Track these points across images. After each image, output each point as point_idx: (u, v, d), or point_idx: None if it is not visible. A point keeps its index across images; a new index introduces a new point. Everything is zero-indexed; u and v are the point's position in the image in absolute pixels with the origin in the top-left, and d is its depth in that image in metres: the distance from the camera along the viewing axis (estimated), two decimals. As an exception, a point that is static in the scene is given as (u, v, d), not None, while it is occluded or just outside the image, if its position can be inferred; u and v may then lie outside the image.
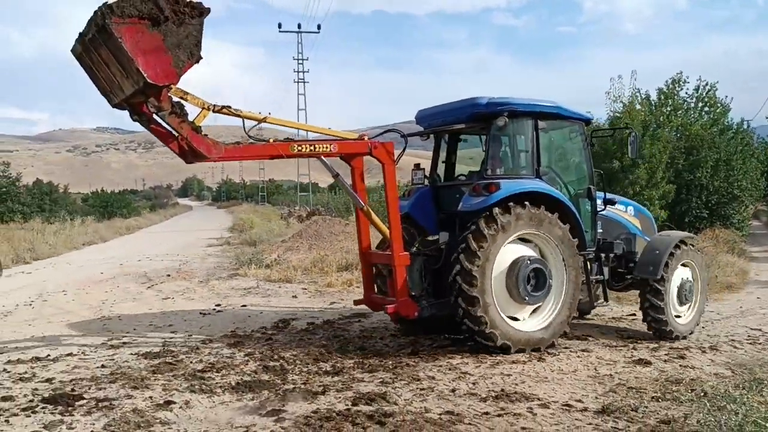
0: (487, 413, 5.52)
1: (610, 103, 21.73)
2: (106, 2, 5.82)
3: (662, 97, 24.05)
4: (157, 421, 5.58)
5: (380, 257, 8.22)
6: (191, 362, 7.52)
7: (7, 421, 5.68)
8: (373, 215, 8.08)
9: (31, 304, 12.43)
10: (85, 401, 6.11)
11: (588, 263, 8.36)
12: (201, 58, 6.24)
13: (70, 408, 5.92)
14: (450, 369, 6.93)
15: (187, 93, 6.67)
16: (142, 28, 5.93)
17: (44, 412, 5.85)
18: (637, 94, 23.29)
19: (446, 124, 8.41)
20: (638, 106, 21.51)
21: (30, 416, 5.77)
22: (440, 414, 5.50)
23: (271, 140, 7.39)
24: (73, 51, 6.57)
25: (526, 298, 7.56)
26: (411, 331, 8.63)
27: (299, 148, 7.37)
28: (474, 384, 6.39)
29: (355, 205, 8.39)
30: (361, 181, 8.15)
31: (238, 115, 6.99)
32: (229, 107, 6.92)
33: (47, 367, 7.52)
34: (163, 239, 30.10)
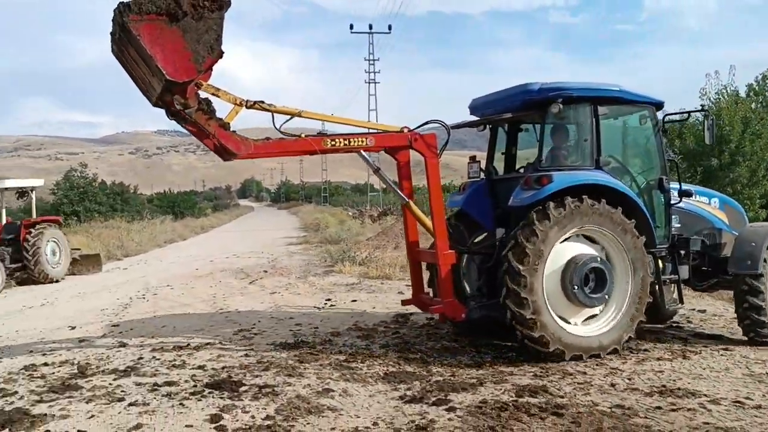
0: (659, 407, 5.43)
1: (707, 98, 21.02)
2: (124, 0, 5.76)
3: (752, 94, 23.25)
4: (324, 407, 5.71)
5: (427, 256, 7.88)
6: (331, 353, 7.66)
7: (181, 404, 5.91)
8: (419, 212, 7.71)
9: (144, 298, 12.91)
10: (246, 387, 6.31)
11: (660, 262, 7.64)
12: (222, 52, 6.09)
13: (235, 393, 6.13)
14: (597, 365, 6.84)
15: (219, 89, 6.60)
16: (161, 24, 5.82)
17: (212, 397, 6.07)
18: (724, 91, 22.58)
19: (498, 113, 7.86)
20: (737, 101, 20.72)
21: (201, 400, 6.00)
22: (610, 407, 5.45)
23: (303, 135, 7.09)
24: (112, 52, 6.46)
25: (584, 301, 6.96)
26: (466, 332, 8.23)
27: (333, 142, 7.17)
28: (630, 379, 6.30)
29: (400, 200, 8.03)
30: (407, 175, 7.72)
31: (272, 110, 6.86)
32: (262, 102, 6.83)
33: (192, 355, 7.79)
34: (240, 238, 30.76)
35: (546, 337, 6.72)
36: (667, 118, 8.24)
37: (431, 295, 8.41)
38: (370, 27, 41.10)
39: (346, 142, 7.23)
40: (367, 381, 6.48)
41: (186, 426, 5.34)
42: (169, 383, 6.55)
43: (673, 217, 7.92)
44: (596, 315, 7.20)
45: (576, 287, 6.90)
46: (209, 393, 6.17)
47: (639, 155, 8.33)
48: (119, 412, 5.75)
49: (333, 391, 6.16)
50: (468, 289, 8.29)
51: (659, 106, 7.95)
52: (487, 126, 8.32)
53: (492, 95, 7.95)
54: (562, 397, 5.75)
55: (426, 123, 7.66)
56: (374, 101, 42.95)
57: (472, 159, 8.46)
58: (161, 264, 20.04)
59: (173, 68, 5.83)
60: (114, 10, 5.77)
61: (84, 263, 18.04)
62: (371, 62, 41.60)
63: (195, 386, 6.42)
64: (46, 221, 16.91)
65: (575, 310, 7.11)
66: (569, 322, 7.06)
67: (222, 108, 6.72)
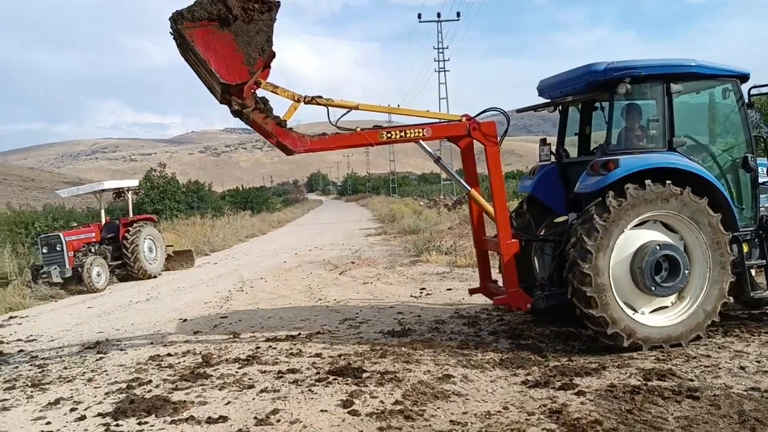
0: (797, 390, 5.29)
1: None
2: (178, 9, 6.01)
3: None
4: (449, 392, 5.82)
5: (493, 244, 7.69)
6: (442, 340, 7.77)
7: (310, 390, 6.14)
8: (482, 200, 7.61)
9: (242, 290, 13.35)
10: (368, 373, 6.49)
11: (746, 246, 7.23)
12: (273, 53, 6.23)
13: (359, 379, 6.31)
14: (719, 348, 6.69)
15: (276, 87, 6.70)
16: (213, 29, 6.02)
17: (338, 383, 6.28)
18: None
19: (565, 95, 7.71)
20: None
21: (327, 386, 6.21)
22: (746, 390, 5.34)
23: (358, 129, 7.08)
24: (180, 54, 6.62)
25: (654, 289, 6.68)
26: (545, 320, 8.13)
27: (388, 134, 7.16)
28: (758, 362, 6.13)
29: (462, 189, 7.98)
30: (471, 162, 7.64)
31: (329, 105, 6.91)
32: (320, 97, 6.84)
33: (306, 344, 8.04)
34: (317, 231, 31.25)
35: (617, 332, 6.54)
36: (754, 91, 7.69)
37: (500, 283, 8.31)
38: (439, 15, 40.97)
39: (402, 133, 7.21)
40: (484, 367, 6.55)
41: (320, 411, 5.56)
42: (292, 371, 6.81)
43: (762, 197, 7.47)
44: (670, 304, 6.90)
45: (644, 276, 6.64)
46: (334, 380, 6.39)
47: (721, 132, 7.91)
48: (253, 399, 6.02)
49: (453, 377, 6.27)
50: (530, 278, 8.13)
51: (744, 78, 7.47)
52: (558, 107, 8.11)
53: (558, 76, 7.75)
54: (692, 380, 5.67)
55: (485, 111, 7.52)
56: (444, 90, 42.82)
57: (543, 141, 8.30)
58: (248, 258, 20.63)
59: (226, 71, 6.08)
60: (169, 19, 6.04)
61: (177, 259, 18.79)
62: (440, 51, 41.54)
63: (318, 373, 6.65)
64: (143, 219, 17.67)
65: (646, 298, 6.84)
66: (639, 311, 6.81)
67: (282, 104, 6.91)
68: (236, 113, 6.55)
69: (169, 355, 8.02)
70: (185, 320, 10.42)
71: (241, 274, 16.14)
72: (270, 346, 8.03)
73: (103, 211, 18.08)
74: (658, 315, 6.86)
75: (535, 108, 8.18)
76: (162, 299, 13.19)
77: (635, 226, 6.72)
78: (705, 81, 7.38)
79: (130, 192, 18.24)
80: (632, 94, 7.06)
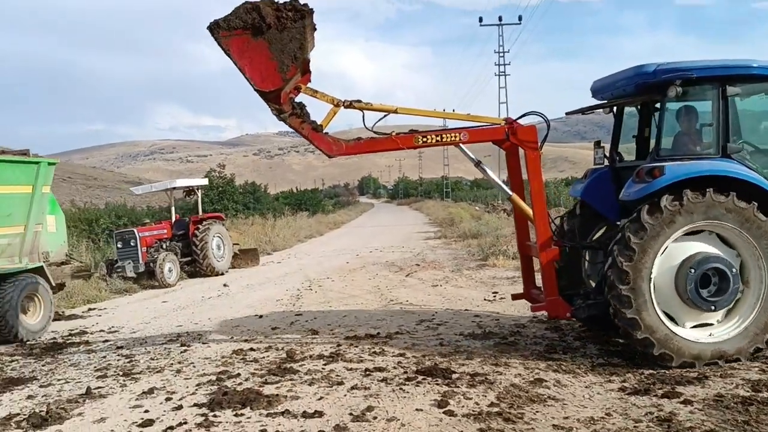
0: None
1: None
2: (215, 19, 6.19)
3: None
4: (544, 396, 5.70)
5: (535, 250, 7.42)
6: (526, 344, 7.64)
7: (401, 389, 6.10)
8: (524, 205, 7.40)
9: (311, 289, 13.45)
10: (458, 375, 6.42)
11: None
12: (307, 60, 6.32)
13: (449, 380, 6.24)
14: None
15: (316, 92, 6.81)
16: (247, 37, 6.16)
17: (428, 383, 6.22)
18: None
19: (615, 98, 7.38)
20: None
21: (418, 386, 6.17)
22: None
23: (393, 134, 7.02)
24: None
25: (699, 304, 6.33)
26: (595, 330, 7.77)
27: (424, 139, 7.05)
28: None
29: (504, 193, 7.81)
30: (517, 166, 7.46)
31: (368, 109, 6.91)
32: (359, 101, 6.86)
33: (387, 343, 8.03)
34: (374, 233, 31.34)
35: (650, 339, 6.26)
36: None
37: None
38: (500, 19, 40.66)
39: (438, 137, 7.13)
40: (576, 372, 6.39)
41: (416, 410, 5.51)
42: (378, 369, 6.79)
43: None
44: (719, 319, 6.53)
45: (689, 289, 6.32)
46: (423, 379, 6.33)
47: None
48: (345, 395, 6.02)
49: (545, 381, 6.14)
50: (574, 285, 7.83)
51: None
52: (612, 110, 7.74)
53: (609, 77, 7.40)
54: (808, 392, 5.40)
55: (525, 114, 7.35)
56: (505, 94, 42.36)
57: (597, 144, 7.99)
58: (310, 258, 20.80)
59: (260, 79, 6.27)
60: (207, 28, 6.25)
61: (243, 257, 19.08)
62: (501, 54, 41.14)
63: (405, 373, 6.61)
64: (212, 218, 18.01)
65: (692, 313, 6.48)
66: (683, 326, 6.49)
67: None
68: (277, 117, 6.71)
69: (251, 349, 8.11)
70: (261, 316, 10.55)
71: (307, 274, 16.28)
72: (351, 344, 8.04)
73: (173, 209, 18.51)
74: (700, 330, 6.50)
75: (583, 111, 7.92)
76: (233, 296, 13.40)
77: (687, 235, 6.42)
78: (765, 83, 6.88)
79: (199, 190, 18.62)
80: (686, 97, 6.73)
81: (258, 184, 62.99)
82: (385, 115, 7.07)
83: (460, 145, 7.22)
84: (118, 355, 8.35)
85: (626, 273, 6.26)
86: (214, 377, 6.88)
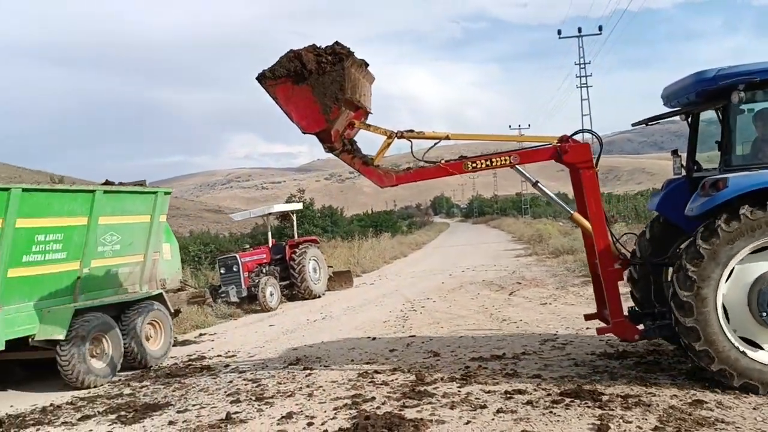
0: None
1: None
2: (263, 69, 6.63)
3: None
4: (711, 419, 5.32)
5: None
6: (669, 362, 7.22)
7: (551, 412, 5.83)
8: (586, 223, 7.01)
9: (414, 310, 13.29)
10: (607, 396, 6.08)
11: None
12: (352, 98, 6.60)
13: (599, 402, 5.92)
14: None
15: (369, 126, 7.12)
16: (291, 84, 6.56)
17: (577, 406, 5.91)
18: None
19: (682, 106, 7.02)
20: None
21: (568, 409, 5.88)
22: None
23: (442, 162, 7.09)
24: None
25: None
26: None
27: (473, 165, 7.00)
28: None
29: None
30: (581, 185, 7.02)
31: (420, 137, 7.10)
32: (412, 131, 7.05)
33: (518, 363, 7.77)
34: (459, 252, 31.01)
35: (710, 352, 5.93)
36: None
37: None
38: (580, 30, 39.77)
39: (488, 162, 7.03)
40: (735, 392, 5.94)
41: (575, 435, 5.23)
42: (518, 391, 6.53)
43: None
44: None
45: (759, 308, 5.95)
46: (571, 402, 6.03)
47: None
48: (492, 419, 5.80)
49: (706, 402, 5.75)
50: (645, 305, 7.45)
51: None
52: (687, 117, 7.25)
53: (673, 85, 7.01)
54: None
55: (576, 132, 7.07)
56: (588, 106, 41.40)
57: (674, 153, 7.55)
58: (402, 279, 20.71)
59: (306, 122, 6.71)
60: (256, 78, 6.70)
61: (337, 280, 19.16)
62: (582, 66, 40.21)
63: (549, 395, 6.32)
64: (308, 241, 18.21)
65: None
66: (765, 348, 6.06)
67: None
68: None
69: (377, 372, 8.00)
70: (374, 338, 10.46)
71: (404, 295, 16.16)
72: (480, 366, 7.80)
73: (269, 233, 18.83)
74: None
75: (647, 122, 7.53)
76: (338, 318, 13.40)
77: (758, 251, 6.01)
78: None
79: (294, 215, 18.89)
80: (755, 101, 6.35)
81: (335, 208, 63.94)
82: (436, 143, 7.16)
83: (516, 166, 7.04)
84: (244, 379, 8.40)
85: (691, 279, 5.96)
86: (348, 401, 6.78)
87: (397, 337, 10.43)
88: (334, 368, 8.53)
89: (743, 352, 5.95)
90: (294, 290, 17.40)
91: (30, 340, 8.63)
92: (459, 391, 6.76)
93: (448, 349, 9.06)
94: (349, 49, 6.62)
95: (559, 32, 39.47)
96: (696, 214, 6.25)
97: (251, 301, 16.20)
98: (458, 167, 7.08)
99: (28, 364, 9.79)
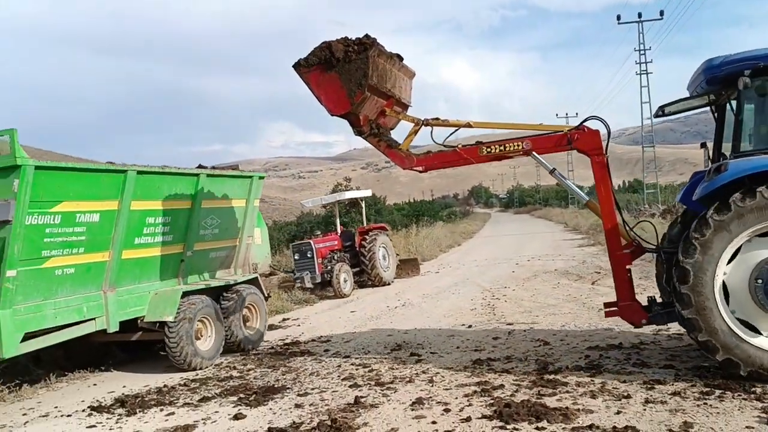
0: None
1: None
2: (299, 58, 7.32)
3: None
4: None
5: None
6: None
7: (705, 403, 5.60)
8: (599, 209, 7.12)
9: (497, 298, 13.10)
10: (759, 389, 5.82)
11: None
12: (372, 86, 7.11)
13: (754, 394, 5.68)
14: None
15: (400, 113, 7.81)
16: (322, 71, 7.21)
17: (728, 398, 5.68)
18: None
19: (698, 95, 7.03)
20: None
21: (722, 401, 5.64)
22: None
23: (459, 147, 7.42)
24: None
25: None
26: None
27: (488, 150, 7.33)
28: None
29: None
30: (601, 171, 7.03)
31: (444, 125, 7.61)
32: (437, 118, 7.62)
33: (641, 353, 7.57)
34: (513, 241, 30.65)
35: (713, 343, 5.97)
36: None
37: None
38: (640, 15, 38.69)
39: (501, 148, 7.32)
40: None
41: (746, 428, 5.00)
42: (657, 381, 6.30)
43: None
44: None
45: (762, 293, 5.93)
46: (722, 393, 5.80)
47: None
48: (644, 409, 5.60)
49: None
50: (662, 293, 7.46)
51: None
52: (711, 106, 7.21)
53: (694, 74, 6.95)
54: None
55: (586, 120, 7.17)
56: (647, 93, 40.40)
57: (703, 145, 7.48)
58: (467, 268, 20.49)
59: (333, 105, 7.34)
60: (292, 66, 7.39)
61: (404, 267, 19.07)
62: (642, 52, 39.10)
63: (694, 385, 6.11)
64: (377, 228, 18.12)
65: None
66: (762, 334, 6.03)
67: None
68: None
69: (491, 359, 7.87)
70: (470, 326, 10.31)
71: (478, 283, 15.96)
72: (601, 355, 7.61)
73: (338, 220, 18.80)
74: None
75: (661, 113, 7.44)
76: (419, 305, 13.29)
77: (761, 236, 6.00)
78: None
79: (363, 201, 18.82)
80: (756, 89, 6.31)
81: (378, 197, 63.85)
82: (456, 130, 7.63)
83: (533, 153, 7.23)
84: (351, 364, 8.33)
85: (686, 271, 6.01)
86: (476, 388, 6.65)
87: (493, 325, 10.26)
88: (443, 355, 8.42)
89: (746, 341, 5.96)
90: (364, 277, 17.36)
91: (139, 321, 8.71)
92: (592, 380, 6.57)
93: (555, 337, 8.86)
94: (375, 40, 7.18)
95: (618, 17, 38.53)
96: (697, 198, 6.42)
97: (323, 287, 16.21)
98: (473, 152, 7.42)
99: (125, 346, 9.92)
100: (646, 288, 11.29)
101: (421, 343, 9.25)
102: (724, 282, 6.08)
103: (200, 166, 10.38)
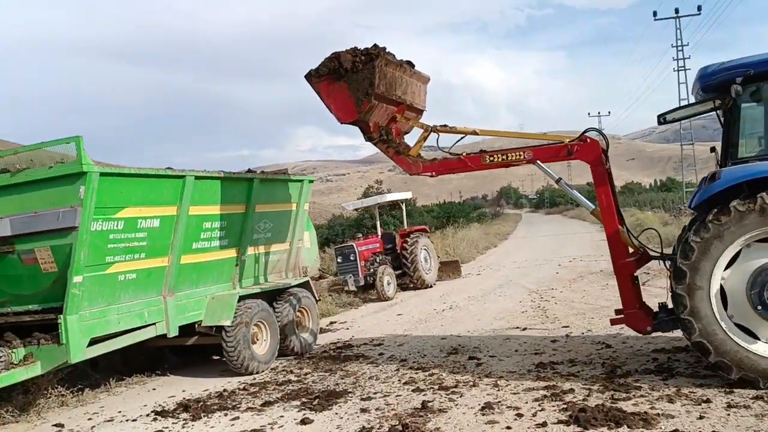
0: None
1: None
2: (311, 69, 7.55)
3: None
4: None
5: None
6: None
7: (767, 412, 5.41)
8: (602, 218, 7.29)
9: (545, 300, 12.93)
10: None
11: None
12: (379, 94, 7.32)
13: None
14: None
15: (409, 120, 8.13)
16: (331, 80, 7.44)
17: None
18: None
19: (698, 102, 7.08)
20: None
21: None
22: None
23: (463, 154, 7.60)
24: None
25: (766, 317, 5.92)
26: None
27: (491, 158, 7.50)
28: None
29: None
30: (600, 180, 7.19)
31: (451, 132, 7.83)
32: (445, 125, 7.83)
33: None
34: (553, 243, 30.28)
35: (706, 345, 6.02)
36: None
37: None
38: (677, 11, 37.93)
39: (504, 157, 7.49)
40: None
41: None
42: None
43: None
44: None
45: (759, 300, 5.95)
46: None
47: None
48: (727, 414, 5.46)
49: None
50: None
51: None
52: (717, 111, 7.06)
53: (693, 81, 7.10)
54: None
55: (585, 132, 7.28)
56: (685, 90, 39.54)
57: (712, 150, 7.43)
58: (508, 269, 20.30)
59: (342, 113, 7.58)
60: (304, 77, 7.63)
61: (445, 269, 18.94)
62: (679, 48, 38.37)
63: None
64: (418, 231, 18.03)
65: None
66: (763, 340, 6.04)
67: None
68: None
69: (553, 363, 7.73)
70: (525, 329, 10.17)
71: (522, 285, 15.78)
72: (669, 358, 7.44)
73: (378, 222, 18.76)
74: None
75: (665, 120, 7.30)
76: (466, 308, 13.17)
77: (759, 242, 6.03)
78: None
79: (404, 204, 18.75)
80: (748, 96, 6.42)
81: (408, 199, 63.41)
82: (462, 137, 7.96)
83: (537, 162, 7.36)
84: (410, 368, 8.26)
85: (683, 272, 6.09)
86: (544, 392, 6.53)
87: (548, 327, 10.10)
88: (503, 358, 8.30)
89: (740, 345, 5.98)
90: (405, 279, 17.27)
91: (196, 325, 8.74)
92: (666, 384, 6.41)
93: (615, 340, 8.69)
94: (383, 49, 7.41)
95: (655, 14, 37.89)
96: (692, 206, 6.57)
97: (365, 290, 16.17)
98: (477, 160, 7.58)
99: (178, 351, 9.97)
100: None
101: (477, 347, 9.13)
102: (722, 286, 6.12)
103: (249, 171, 10.41)
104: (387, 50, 7.57)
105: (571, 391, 6.49)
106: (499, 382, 7.16)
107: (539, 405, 6.17)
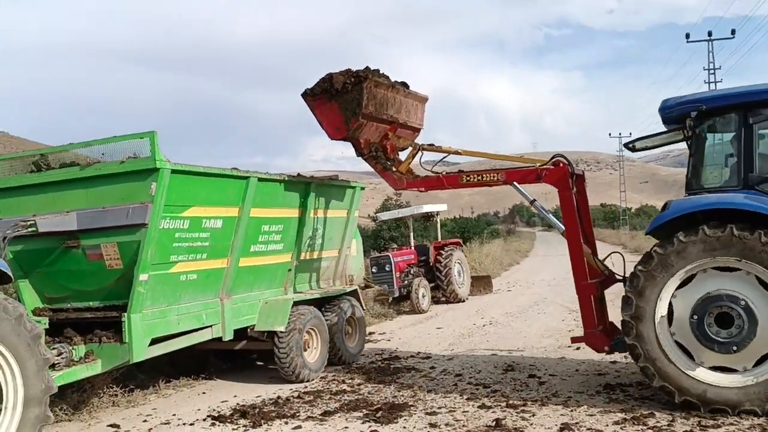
0: None
1: None
2: (306, 88, 8.02)
3: None
4: None
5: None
6: None
7: None
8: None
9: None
10: None
11: None
12: (367, 114, 7.80)
13: None
14: None
15: (400, 138, 8.61)
16: (324, 100, 7.93)
17: None
18: None
19: (664, 132, 7.41)
20: None
21: None
22: None
23: (443, 174, 8.09)
24: None
25: (706, 344, 6.07)
26: None
27: (467, 178, 7.84)
28: None
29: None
30: (581, 201, 7.58)
31: (437, 150, 8.53)
32: (432, 144, 8.55)
33: None
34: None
35: (651, 369, 6.25)
36: None
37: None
38: (710, 34, 37.77)
39: (479, 177, 7.80)
40: None
41: None
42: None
43: None
44: (748, 366, 6.07)
45: (697, 327, 6.11)
46: None
47: None
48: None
49: None
50: None
51: None
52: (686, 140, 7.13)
53: None
54: None
55: (552, 158, 7.53)
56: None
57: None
58: (539, 286, 20.07)
59: (332, 130, 8.12)
60: (301, 95, 8.12)
61: (476, 284, 18.70)
62: (711, 71, 38.12)
63: None
64: (452, 244, 17.83)
65: (712, 353, 6.13)
66: (700, 364, 6.21)
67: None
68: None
69: (621, 385, 7.51)
70: (578, 348, 9.92)
71: (559, 302, 15.53)
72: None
73: (411, 234, 18.58)
74: (723, 374, 6.14)
75: (635, 147, 7.87)
76: (507, 324, 12.94)
77: (715, 269, 6.17)
78: None
79: (438, 215, 18.57)
80: (714, 129, 6.80)
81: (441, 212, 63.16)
82: (444, 156, 8.64)
83: (513, 183, 7.57)
84: (468, 383, 8.05)
85: (630, 300, 6.32)
86: (624, 415, 6.31)
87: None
88: (565, 378, 8.08)
89: (681, 371, 6.17)
90: (438, 293, 17.05)
91: (248, 330, 8.56)
92: (752, 412, 6.16)
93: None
94: (374, 71, 7.92)
95: (687, 36, 37.68)
96: (646, 234, 6.83)
97: (399, 302, 15.96)
98: (455, 180, 7.96)
99: (223, 355, 9.82)
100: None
101: (533, 365, 8.91)
102: (671, 303, 6.29)
103: (299, 175, 10.26)
104: (380, 72, 8.07)
105: (652, 415, 6.24)
106: (568, 402, 6.94)
107: (621, 428, 5.94)
